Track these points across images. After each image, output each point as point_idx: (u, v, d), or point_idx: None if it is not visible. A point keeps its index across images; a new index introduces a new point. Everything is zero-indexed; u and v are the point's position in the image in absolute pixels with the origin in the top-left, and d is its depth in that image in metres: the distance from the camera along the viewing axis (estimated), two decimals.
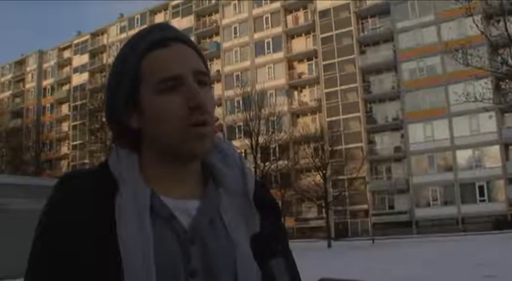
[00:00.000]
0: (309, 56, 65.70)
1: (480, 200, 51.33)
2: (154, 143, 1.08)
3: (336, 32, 62.71)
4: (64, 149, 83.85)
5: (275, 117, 48.94)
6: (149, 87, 1.06)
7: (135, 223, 0.99)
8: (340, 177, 50.33)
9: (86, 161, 68.99)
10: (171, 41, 1.08)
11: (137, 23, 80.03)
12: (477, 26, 23.63)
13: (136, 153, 1.11)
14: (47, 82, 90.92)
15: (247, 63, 68.15)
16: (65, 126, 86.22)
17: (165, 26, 1.12)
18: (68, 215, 1.01)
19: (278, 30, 67.26)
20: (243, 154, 44.45)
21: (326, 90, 62.19)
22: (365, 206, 54.90)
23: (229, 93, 57.61)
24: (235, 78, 65.32)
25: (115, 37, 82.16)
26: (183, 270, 1.00)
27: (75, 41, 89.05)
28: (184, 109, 1.04)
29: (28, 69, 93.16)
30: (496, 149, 51.30)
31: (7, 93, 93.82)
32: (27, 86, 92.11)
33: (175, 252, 1.01)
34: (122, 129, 1.12)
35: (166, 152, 1.07)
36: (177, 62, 1.06)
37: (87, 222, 0.99)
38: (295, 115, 64.88)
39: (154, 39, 1.08)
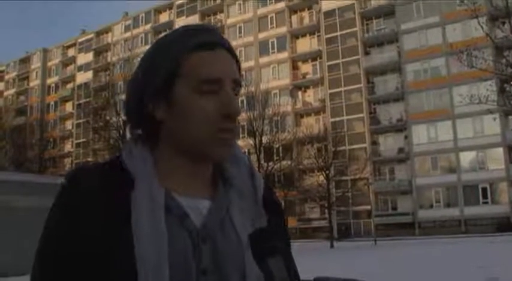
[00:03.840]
0: (314, 56, 65.72)
1: (483, 202, 51.28)
2: (176, 139, 1.08)
3: (341, 32, 62.74)
4: (68, 147, 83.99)
5: (279, 117, 48.96)
6: (187, 85, 1.06)
7: (149, 220, 0.99)
8: (344, 178, 50.37)
9: (90, 159, 69.05)
10: (218, 46, 1.10)
11: (142, 21, 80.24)
12: (482, 27, 23.57)
13: (149, 148, 1.11)
14: (51, 80, 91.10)
15: (251, 63, 68.13)
16: (68, 125, 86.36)
17: (214, 30, 1.14)
18: (79, 215, 1.00)
19: (283, 30, 67.30)
20: (247, 154, 44.51)
21: (330, 91, 62.18)
22: (368, 207, 54.85)
23: None
24: None
25: (119, 36, 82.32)
26: (195, 268, 1.00)
27: (80, 40, 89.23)
28: (217, 114, 1.05)
29: (32, 67, 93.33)
30: (499, 152, 51.24)
31: (11, 91, 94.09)
32: (32, 84, 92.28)
33: (187, 250, 1.01)
34: (143, 119, 1.11)
35: (187, 150, 1.08)
36: (220, 68, 1.07)
37: (100, 219, 0.99)
38: (299, 115, 64.92)
39: (204, 40, 1.09)
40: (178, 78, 1.07)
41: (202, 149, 1.07)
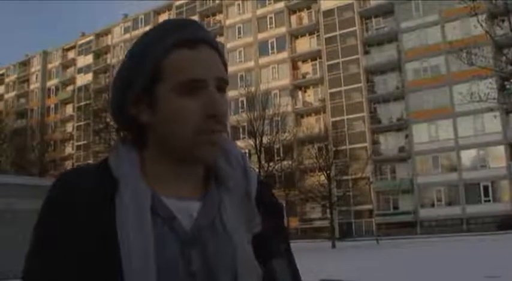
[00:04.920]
0: (313, 56, 65.72)
1: (485, 201, 51.25)
2: (163, 142, 1.06)
3: (340, 32, 62.73)
4: (68, 150, 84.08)
5: (279, 118, 48.91)
6: (169, 85, 1.03)
7: (135, 223, 0.97)
8: (345, 177, 50.28)
9: (90, 161, 69.03)
10: (200, 43, 1.06)
11: (141, 23, 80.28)
12: (481, 25, 23.55)
13: (137, 150, 1.09)
14: (51, 83, 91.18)
15: (251, 63, 68.15)
16: (69, 127, 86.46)
17: (197, 25, 1.10)
18: (67, 216, 0.99)
19: (282, 30, 67.30)
20: (247, 154, 44.62)
21: (330, 91, 62.17)
22: (369, 207, 54.83)
23: (233, 93, 57.44)
24: (239, 78, 65.26)
25: (119, 38, 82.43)
26: (184, 272, 0.99)
27: (80, 42, 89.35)
28: (201, 115, 1.02)
29: (32, 69, 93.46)
30: (500, 149, 51.19)
31: (12, 94, 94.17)
32: (32, 86, 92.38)
33: (175, 253, 0.99)
34: (129, 122, 1.09)
35: (174, 152, 1.06)
36: (203, 67, 1.04)
37: (85, 222, 0.98)
38: (299, 115, 64.92)
39: (185, 37, 1.05)
40: (159, 80, 1.03)
41: (187, 151, 1.04)
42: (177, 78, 1.02)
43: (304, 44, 67.01)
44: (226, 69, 1.11)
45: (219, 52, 1.10)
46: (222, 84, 1.07)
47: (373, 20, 62.28)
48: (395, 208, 56.48)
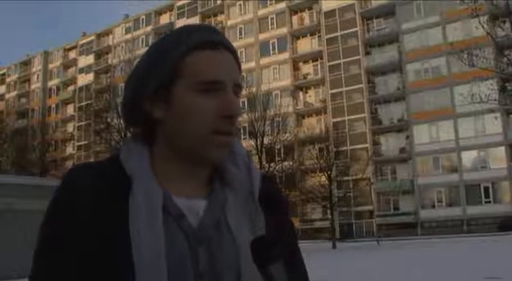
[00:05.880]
0: (314, 56, 65.70)
1: (485, 202, 51.21)
2: (173, 140, 1.07)
3: (341, 32, 62.70)
4: (69, 150, 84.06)
5: (280, 118, 48.86)
6: (187, 83, 1.04)
7: (147, 222, 0.98)
8: (345, 178, 50.24)
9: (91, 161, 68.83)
10: (221, 46, 1.08)
11: (142, 23, 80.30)
12: (483, 27, 23.54)
13: (147, 146, 1.10)
14: (52, 83, 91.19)
15: (252, 64, 68.09)
16: (70, 127, 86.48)
17: (217, 30, 1.12)
18: (73, 215, 0.99)
19: (283, 31, 67.27)
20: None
21: (331, 91, 62.15)
22: (370, 208, 54.79)
23: None
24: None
25: (120, 38, 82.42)
26: (192, 271, 1.00)
27: (81, 42, 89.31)
28: (216, 115, 1.04)
29: (34, 69, 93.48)
30: (501, 151, 51.16)
31: (13, 94, 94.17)
32: (33, 86, 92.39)
33: (185, 252, 1.00)
34: (141, 117, 1.09)
35: (182, 151, 1.07)
36: (223, 69, 1.06)
37: (93, 221, 0.98)
38: (300, 116, 64.87)
39: (208, 38, 1.07)
40: (179, 78, 1.05)
41: (198, 150, 1.05)
42: (197, 77, 1.04)
43: (306, 45, 66.98)
44: (240, 75, 1.13)
45: (236, 59, 1.12)
46: (238, 90, 1.09)
47: (374, 20, 62.24)
48: (396, 208, 56.44)
